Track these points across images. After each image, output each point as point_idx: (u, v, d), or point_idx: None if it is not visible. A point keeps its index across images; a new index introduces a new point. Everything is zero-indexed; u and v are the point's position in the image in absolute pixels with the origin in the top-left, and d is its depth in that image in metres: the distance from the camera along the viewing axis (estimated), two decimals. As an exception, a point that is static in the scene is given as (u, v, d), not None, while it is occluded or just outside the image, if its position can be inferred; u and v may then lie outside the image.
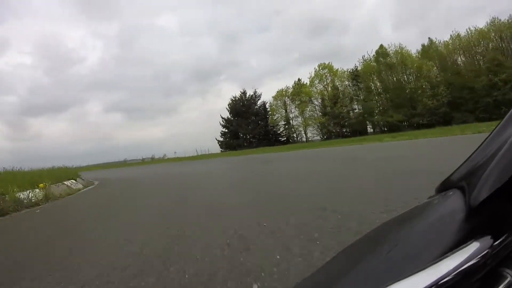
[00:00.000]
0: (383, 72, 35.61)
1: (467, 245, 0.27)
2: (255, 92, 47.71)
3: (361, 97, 36.89)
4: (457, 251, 0.26)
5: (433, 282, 0.23)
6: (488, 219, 0.30)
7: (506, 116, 0.36)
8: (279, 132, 46.43)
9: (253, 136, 44.94)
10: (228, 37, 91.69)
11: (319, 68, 41.35)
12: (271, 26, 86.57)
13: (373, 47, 49.23)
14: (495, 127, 0.36)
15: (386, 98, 35.37)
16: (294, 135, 45.38)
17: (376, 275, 0.27)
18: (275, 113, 45.49)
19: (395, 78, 35.06)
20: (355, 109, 38.28)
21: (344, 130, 38.43)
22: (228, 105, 47.79)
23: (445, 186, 0.38)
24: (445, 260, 0.25)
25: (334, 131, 38.45)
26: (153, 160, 51.82)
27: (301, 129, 43.75)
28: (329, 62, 41.35)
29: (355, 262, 0.32)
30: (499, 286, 0.25)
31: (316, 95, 41.14)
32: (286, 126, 45.63)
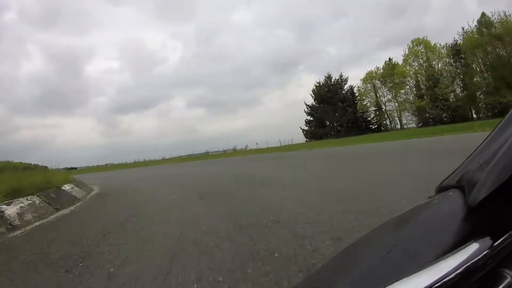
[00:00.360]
0: (489, 45, 29.04)
1: (467, 245, 0.27)
2: (341, 76, 41.97)
3: (463, 76, 30.70)
4: (457, 251, 0.26)
5: (433, 282, 0.23)
6: (488, 219, 0.30)
7: (506, 116, 0.36)
8: (369, 119, 41.02)
9: (341, 124, 40.27)
10: (303, 26, 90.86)
11: (413, 44, 34.94)
12: (347, 11, 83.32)
13: (460, 25, 44.32)
14: (495, 127, 0.36)
15: (495, 75, 28.46)
16: (386, 122, 39.90)
17: (376, 275, 0.27)
18: (364, 98, 40.09)
19: (504, 52, 28.31)
20: (456, 90, 32.33)
21: (444, 116, 32.54)
22: (312, 91, 43.12)
23: (445, 186, 0.38)
24: (445, 260, 0.25)
25: (433, 116, 32.68)
26: (235, 152, 47.92)
27: (395, 114, 38.25)
28: (424, 37, 34.60)
29: (355, 262, 0.32)
30: (499, 286, 0.25)
31: (411, 76, 35.25)
32: (377, 112, 40.09)
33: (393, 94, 37.11)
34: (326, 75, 42.84)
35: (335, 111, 40.31)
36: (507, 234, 0.28)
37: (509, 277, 0.25)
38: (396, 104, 37.46)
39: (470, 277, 0.25)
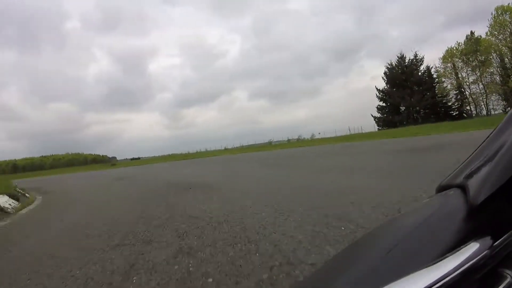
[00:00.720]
0: None
1: (467, 245, 0.27)
2: (415, 56, 35.82)
3: None
4: (457, 251, 0.26)
5: (433, 282, 0.23)
6: (488, 219, 0.30)
7: (507, 116, 0.36)
8: (449, 104, 35.07)
9: (418, 110, 34.88)
10: (362, 9, 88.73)
11: (497, 13, 28.48)
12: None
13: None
14: (496, 127, 0.36)
15: None
16: (470, 107, 33.83)
17: (376, 275, 0.27)
18: (443, 80, 33.73)
19: None
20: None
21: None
22: (384, 73, 37.62)
23: (445, 186, 0.38)
24: (445, 260, 0.25)
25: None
26: (298, 141, 43.89)
27: (480, 98, 31.78)
28: (510, 4, 27.40)
29: (355, 261, 0.32)
30: (499, 286, 0.25)
31: (497, 52, 29.15)
32: (459, 96, 34.14)
33: (478, 75, 30.70)
34: (399, 54, 37.01)
35: (411, 96, 34.40)
36: (507, 234, 0.28)
37: (509, 277, 0.25)
38: (481, 85, 30.98)
39: (470, 277, 0.25)
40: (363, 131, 37.23)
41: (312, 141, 35.07)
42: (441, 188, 0.39)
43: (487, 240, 0.27)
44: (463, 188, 0.34)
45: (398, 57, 37.17)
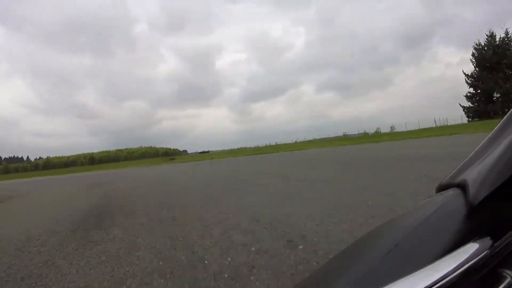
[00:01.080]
0: None
1: (467, 245, 0.27)
2: (507, 34, 29.92)
3: None
4: (457, 251, 0.26)
5: (433, 282, 0.23)
6: (488, 218, 0.30)
7: (506, 116, 0.36)
8: None
9: None
10: None
11: None
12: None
13: None
14: (496, 127, 0.36)
15: None
16: None
17: (376, 275, 0.27)
18: None
19: None
20: None
21: None
22: (471, 55, 31.96)
23: (445, 185, 0.38)
24: (445, 260, 0.25)
25: None
26: (376, 135, 36.12)
27: None
28: None
29: (355, 262, 0.32)
30: (498, 286, 0.25)
31: None
32: None
33: None
34: (488, 33, 31.09)
35: (505, 81, 28.76)
36: (507, 234, 0.28)
37: (509, 277, 0.25)
38: None
39: (470, 277, 0.25)
40: (449, 123, 31.93)
41: (394, 134, 29.59)
42: (441, 188, 0.39)
43: (487, 240, 0.27)
44: (463, 187, 0.34)
45: (487, 35, 31.25)
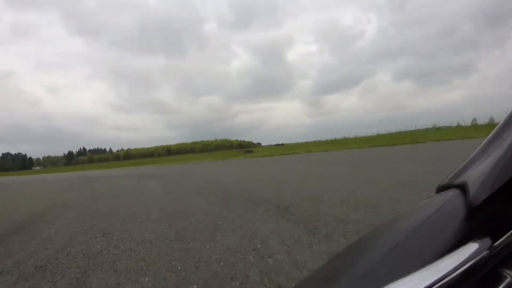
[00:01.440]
0: None
1: (467, 245, 0.27)
2: None
3: None
4: (457, 251, 0.26)
5: (433, 282, 0.23)
6: (488, 219, 0.30)
7: (506, 116, 0.36)
8: None
9: None
10: None
11: None
12: None
13: None
14: (496, 127, 0.36)
15: None
16: None
17: (376, 275, 0.27)
18: None
19: None
20: None
21: None
22: None
23: (445, 186, 0.38)
24: (445, 260, 0.25)
25: None
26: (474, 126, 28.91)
27: None
28: None
29: (355, 262, 0.32)
30: (498, 286, 0.25)
31: None
32: None
33: None
34: None
35: None
36: (507, 234, 0.28)
37: (509, 277, 0.25)
38: None
39: (470, 277, 0.25)
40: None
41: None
42: (441, 188, 0.39)
43: (487, 240, 0.27)
44: (463, 188, 0.34)
45: None
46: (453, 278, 0.24)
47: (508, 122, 0.35)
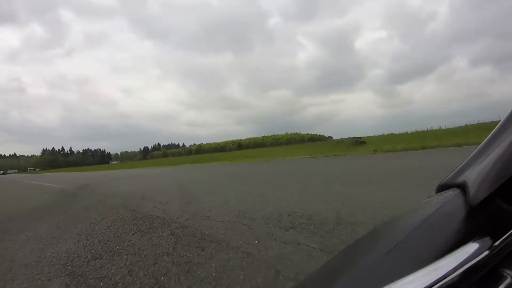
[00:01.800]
0: None
1: (467, 245, 0.27)
2: None
3: None
4: (457, 251, 0.26)
5: (433, 282, 0.23)
6: (488, 219, 0.30)
7: (506, 116, 0.36)
8: None
9: None
10: None
11: None
12: None
13: None
14: (496, 127, 0.36)
15: None
16: None
17: (376, 275, 0.27)
18: None
19: None
20: None
21: None
22: None
23: (445, 186, 0.38)
24: (445, 260, 0.25)
25: None
26: None
27: None
28: None
29: (355, 262, 0.32)
30: (498, 286, 0.25)
31: None
32: None
33: None
34: None
35: None
36: (507, 234, 0.28)
37: (509, 277, 0.25)
38: None
39: (470, 277, 0.25)
40: None
41: None
42: (441, 188, 0.39)
43: (487, 240, 0.27)
44: (462, 187, 0.34)
45: None
46: (453, 278, 0.24)
47: (507, 122, 0.35)
